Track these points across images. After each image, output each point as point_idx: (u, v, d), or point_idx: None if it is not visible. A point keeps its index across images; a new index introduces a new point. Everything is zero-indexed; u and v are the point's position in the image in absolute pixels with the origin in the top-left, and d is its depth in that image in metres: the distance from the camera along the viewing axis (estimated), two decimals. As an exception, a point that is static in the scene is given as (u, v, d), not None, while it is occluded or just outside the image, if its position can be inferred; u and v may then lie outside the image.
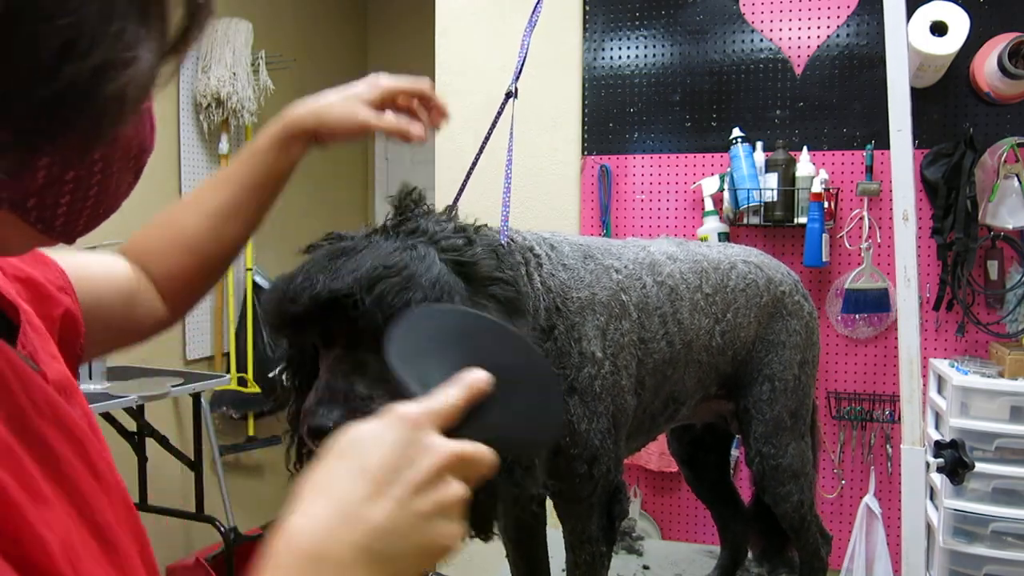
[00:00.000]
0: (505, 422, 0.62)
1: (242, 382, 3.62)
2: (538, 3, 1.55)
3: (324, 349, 0.90)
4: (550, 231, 1.25)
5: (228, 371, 3.62)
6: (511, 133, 1.19)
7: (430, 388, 0.59)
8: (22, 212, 0.46)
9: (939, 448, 1.50)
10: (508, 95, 1.20)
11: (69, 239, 0.49)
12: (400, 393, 0.60)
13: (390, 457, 0.53)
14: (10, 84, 0.40)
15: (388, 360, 0.62)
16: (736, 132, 2.45)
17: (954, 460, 1.47)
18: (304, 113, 0.92)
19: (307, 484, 0.54)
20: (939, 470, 1.49)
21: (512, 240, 1.12)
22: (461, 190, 1.18)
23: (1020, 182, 2.20)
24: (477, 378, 0.60)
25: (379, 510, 0.52)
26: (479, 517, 0.88)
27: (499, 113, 1.19)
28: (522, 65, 1.43)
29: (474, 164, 1.19)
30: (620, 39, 2.63)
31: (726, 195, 2.47)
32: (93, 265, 0.82)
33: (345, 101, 0.93)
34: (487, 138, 1.22)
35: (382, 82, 0.96)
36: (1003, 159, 2.21)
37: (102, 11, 0.41)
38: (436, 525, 0.54)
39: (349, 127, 0.92)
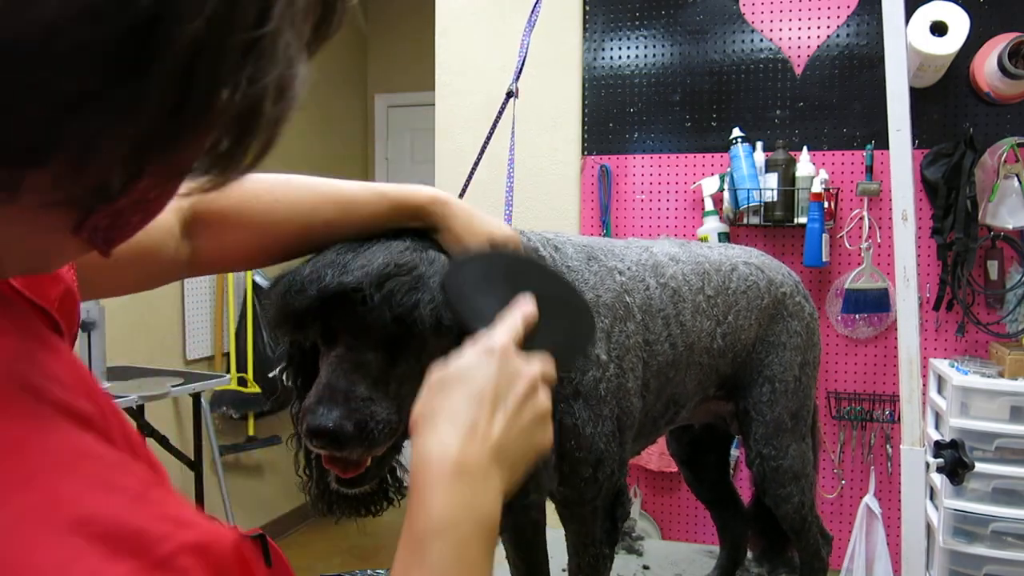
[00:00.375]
0: (551, 340, 0.75)
1: (242, 382, 3.62)
2: (537, 3, 1.55)
3: (325, 348, 0.89)
4: (552, 231, 1.24)
5: (228, 371, 3.62)
6: (512, 133, 1.19)
7: (487, 319, 0.71)
8: (92, 234, 0.40)
9: (939, 448, 1.50)
10: (509, 95, 1.20)
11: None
12: (462, 325, 0.74)
13: (495, 381, 0.65)
14: (176, 106, 0.35)
15: (448, 299, 0.75)
16: (736, 132, 2.45)
17: (954, 460, 1.47)
18: (442, 216, 0.90)
19: (428, 411, 0.64)
20: (939, 470, 1.49)
21: None
22: (463, 190, 1.18)
23: (1020, 182, 2.21)
24: (527, 306, 0.73)
25: (497, 426, 0.63)
26: None
27: (500, 113, 1.19)
28: (522, 65, 1.43)
29: (476, 164, 1.19)
30: (620, 39, 2.63)
31: (726, 195, 2.47)
32: None
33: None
34: (488, 138, 1.22)
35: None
36: (1003, 159, 2.21)
37: (286, 25, 0.37)
38: (536, 431, 0.67)
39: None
